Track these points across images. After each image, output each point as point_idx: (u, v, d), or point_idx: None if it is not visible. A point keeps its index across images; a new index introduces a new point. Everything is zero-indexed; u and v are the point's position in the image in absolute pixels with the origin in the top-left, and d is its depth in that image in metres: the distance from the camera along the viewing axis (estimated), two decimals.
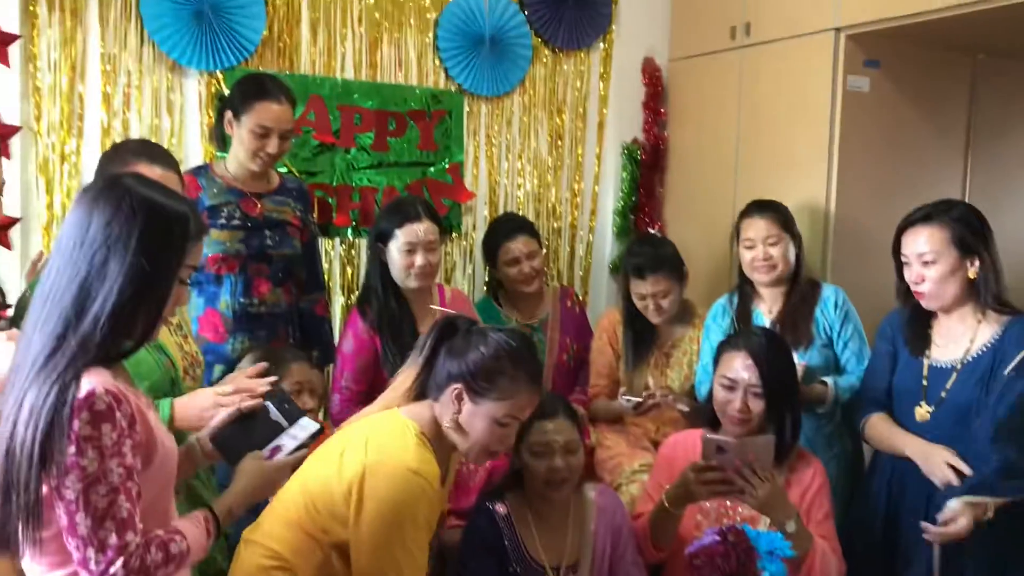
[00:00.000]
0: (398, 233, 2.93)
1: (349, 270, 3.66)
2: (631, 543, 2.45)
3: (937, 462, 2.40)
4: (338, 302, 3.63)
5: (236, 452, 1.80)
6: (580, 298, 3.87)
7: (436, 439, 2.04)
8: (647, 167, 4.09)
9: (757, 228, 3.00)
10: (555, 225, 4.04)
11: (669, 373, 3.23)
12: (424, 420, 2.04)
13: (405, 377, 2.13)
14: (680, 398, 3.10)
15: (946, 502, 2.28)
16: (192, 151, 3.36)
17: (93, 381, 1.44)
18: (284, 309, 3.09)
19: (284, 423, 1.83)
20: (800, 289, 3.00)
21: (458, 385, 2.01)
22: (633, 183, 4.07)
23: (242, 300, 2.97)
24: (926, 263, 2.46)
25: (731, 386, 2.46)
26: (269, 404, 1.84)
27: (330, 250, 3.62)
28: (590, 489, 2.50)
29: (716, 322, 3.11)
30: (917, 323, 2.58)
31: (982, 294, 2.45)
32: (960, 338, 2.49)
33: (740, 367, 2.45)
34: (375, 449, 1.93)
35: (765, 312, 3.05)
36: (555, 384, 3.36)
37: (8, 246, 3.08)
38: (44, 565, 1.49)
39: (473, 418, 2.01)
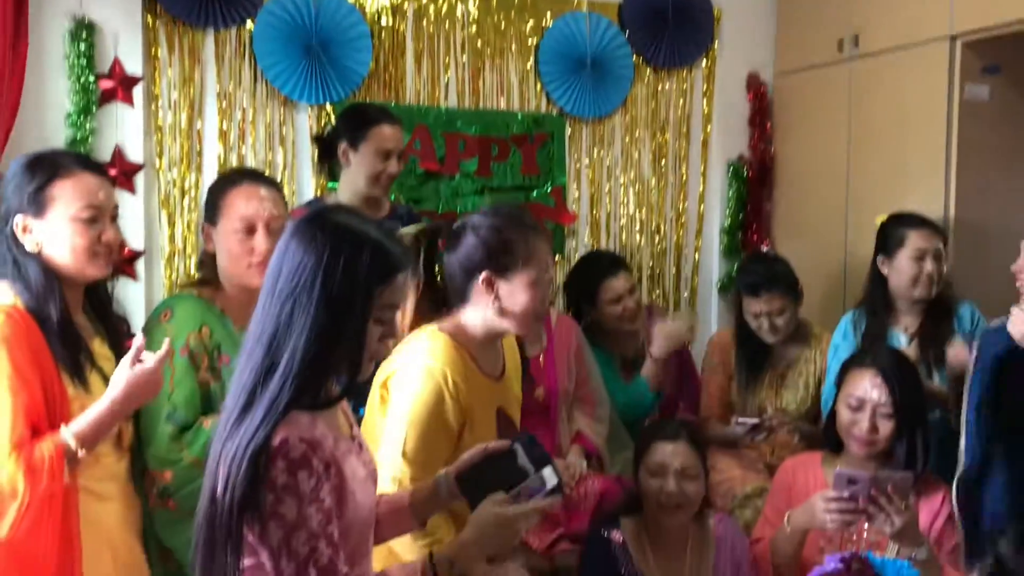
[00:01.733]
0: None
1: None
2: (752, 574, 2.38)
3: None
4: None
5: (477, 494, 1.67)
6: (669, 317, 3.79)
7: (466, 337, 2.04)
8: (754, 184, 4.02)
9: (930, 241, 2.87)
10: (660, 246, 4.00)
11: (785, 395, 3.15)
12: (447, 326, 2.05)
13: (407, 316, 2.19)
14: (797, 425, 3.01)
15: None
16: (304, 183, 3.46)
17: (288, 430, 1.44)
18: None
19: (530, 469, 1.69)
20: (942, 306, 2.88)
21: (483, 274, 2.00)
22: (740, 201, 4.00)
23: None
24: None
25: (858, 406, 2.37)
26: (518, 447, 1.71)
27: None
28: (709, 517, 2.44)
29: (846, 340, 2.98)
30: None
31: None
32: None
33: (869, 386, 2.36)
34: (399, 354, 2.03)
35: (901, 331, 2.93)
36: (660, 412, 3.30)
37: (134, 277, 3.22)
38: None
39: (513, 294, 2.00)
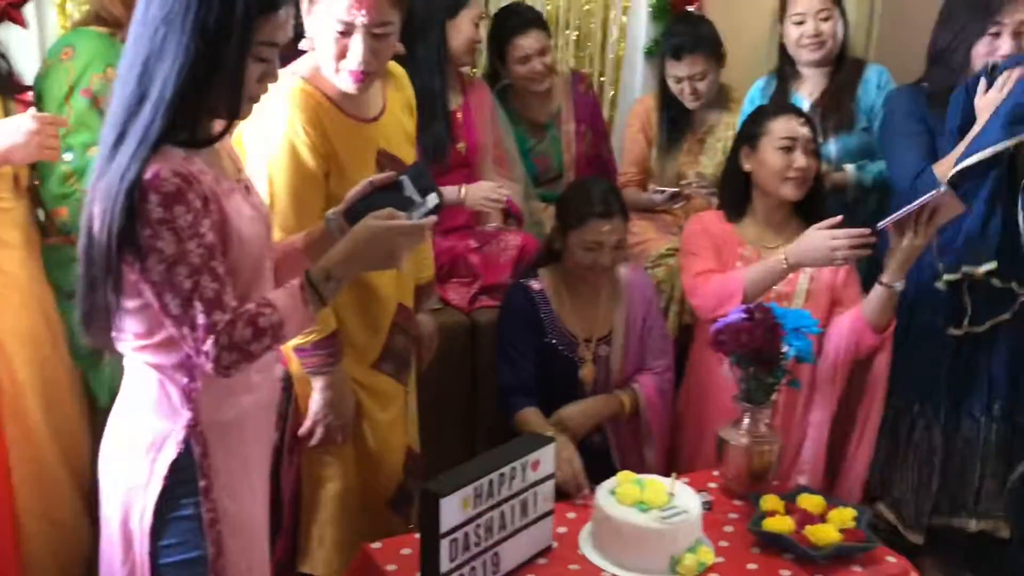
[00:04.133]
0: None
1: None
2: (660, 317, 2.56)
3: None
4: None
5: None
6: (593, 84, 3.70)
7: (323, 78, 1.91)
8: None
9: (809, 1, 2.87)
10: (586, 7, 3.84)
11: (702, 159, 3.19)
12: (303, 67, 1.93)
13: None
14: (713, 188, 3.06)
15: None
16: None
17: (160, 164, 1.38)
18: None
19: (418, 199, 1.67)
20: (845, 69, 2.91)
21: None
22: None
23: None
24: None
25: (791, 145, 2.43)
26: (404, 179, 1.68)
27: None
28: (621, 267, 2.53)
29: (752, 105, 3.01)
30: None
31: None
32: None
33: (796, 124, 2.44)
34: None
35: (805, 95, 2.97)
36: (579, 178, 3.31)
37: (23, 24, 2.99)
38: (131, 336, 1.50)
39: (313, 27, 1.86)
